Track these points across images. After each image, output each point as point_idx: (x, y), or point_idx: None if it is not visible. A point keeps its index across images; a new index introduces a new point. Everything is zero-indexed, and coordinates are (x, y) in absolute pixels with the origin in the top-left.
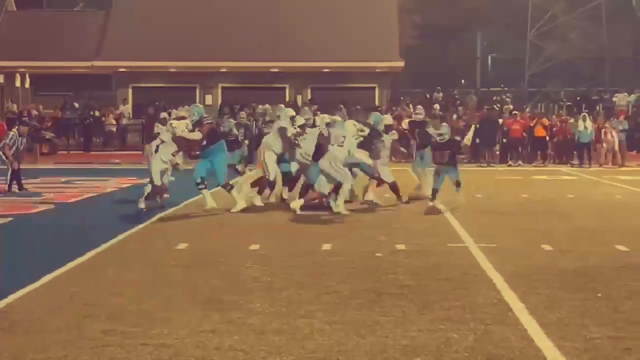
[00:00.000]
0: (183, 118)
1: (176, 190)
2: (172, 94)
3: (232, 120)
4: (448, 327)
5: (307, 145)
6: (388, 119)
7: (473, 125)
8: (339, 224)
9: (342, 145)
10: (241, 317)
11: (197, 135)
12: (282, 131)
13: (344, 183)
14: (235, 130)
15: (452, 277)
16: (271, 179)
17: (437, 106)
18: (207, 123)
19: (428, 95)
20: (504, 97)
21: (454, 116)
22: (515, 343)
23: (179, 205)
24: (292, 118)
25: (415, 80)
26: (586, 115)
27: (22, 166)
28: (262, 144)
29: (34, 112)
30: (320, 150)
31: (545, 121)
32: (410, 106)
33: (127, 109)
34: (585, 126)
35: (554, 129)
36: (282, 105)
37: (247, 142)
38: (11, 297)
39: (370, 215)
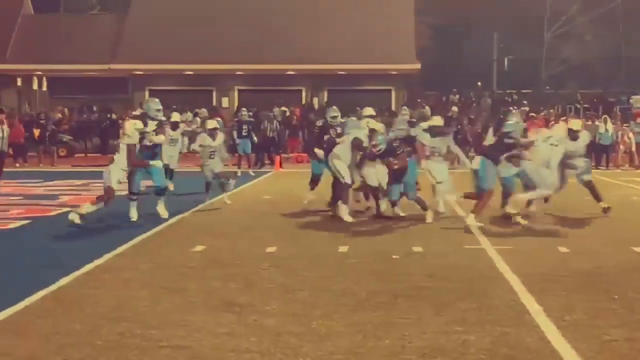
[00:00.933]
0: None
1: (196, 191)
2: (189, 96)
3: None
4: (465, 329)
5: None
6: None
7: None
8: (357, 227)
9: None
10: (257, 319)
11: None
12: (356, 142)
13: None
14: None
15: (468, 279)
16: (348, 182)
17: (455, 108)
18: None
19: (444, 98)
20: (515, 97)
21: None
22: (532, 345)
23: (198, 206)
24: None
25: (431, 82)
26: (607, 117)
27: (39, 169)
28: (331, 154)
29: (58, 115)
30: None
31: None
32: (427, 108)
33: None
34: (606, 128)
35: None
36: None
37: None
38: (27, 300)
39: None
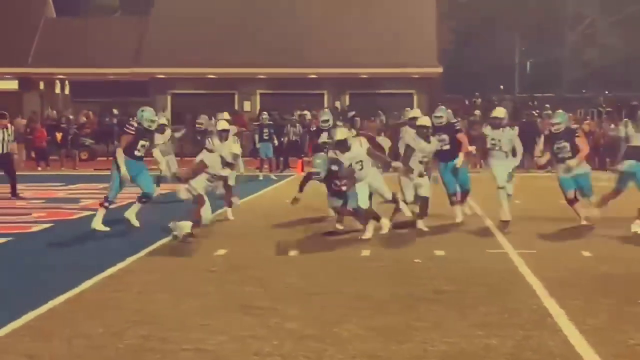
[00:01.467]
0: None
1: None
2: (211, 100)
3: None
4: (487, 333)
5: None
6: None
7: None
8: (379, 229)
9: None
10: (279, 322)
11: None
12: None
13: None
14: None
15: (490, 282)
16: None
17: (478, 112)
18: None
19: (467, 101)
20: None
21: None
22: (555, 349)
23: (222, 210)
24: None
25: (453, 86)
26: (628, 121)
27: (61, 172)
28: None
29: (83, 119)
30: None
31: (587, 126)
32: (450, 112)
33: (166, 115)
34: (626, 132)
35: (595, 134)
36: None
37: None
38: (50, 303)
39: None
